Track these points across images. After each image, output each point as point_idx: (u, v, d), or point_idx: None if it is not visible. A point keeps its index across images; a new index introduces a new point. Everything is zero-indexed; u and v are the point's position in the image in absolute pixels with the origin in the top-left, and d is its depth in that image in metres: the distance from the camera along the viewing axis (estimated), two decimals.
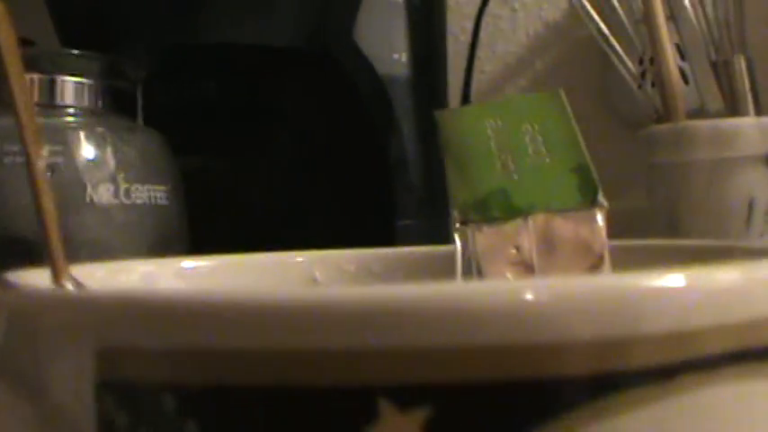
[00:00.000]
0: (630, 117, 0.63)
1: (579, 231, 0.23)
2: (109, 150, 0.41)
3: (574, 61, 0.64)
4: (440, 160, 0.49)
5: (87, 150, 0.40)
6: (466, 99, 0.59)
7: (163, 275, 0.26)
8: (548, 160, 0.24)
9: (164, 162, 0.44)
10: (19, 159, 0.39)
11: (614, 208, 0.65)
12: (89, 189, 0.39)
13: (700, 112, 0.52)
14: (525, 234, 0.23)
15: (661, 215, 0.53)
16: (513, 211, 0.23)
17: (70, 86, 0.42)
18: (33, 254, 0.37)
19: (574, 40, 0.64)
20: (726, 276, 0.16)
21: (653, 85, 0.56)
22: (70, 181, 0.39)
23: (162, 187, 0.42)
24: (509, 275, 0.22)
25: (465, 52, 0.58)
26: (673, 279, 0.15)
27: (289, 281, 0.27)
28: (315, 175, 0.50)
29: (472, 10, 0.61)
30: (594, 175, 0.24)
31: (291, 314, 0.14)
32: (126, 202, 0.40)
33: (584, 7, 0.55)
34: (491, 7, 0.60)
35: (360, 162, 0.49)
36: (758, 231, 0.50)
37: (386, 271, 0.27)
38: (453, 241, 0.23)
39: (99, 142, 0.41)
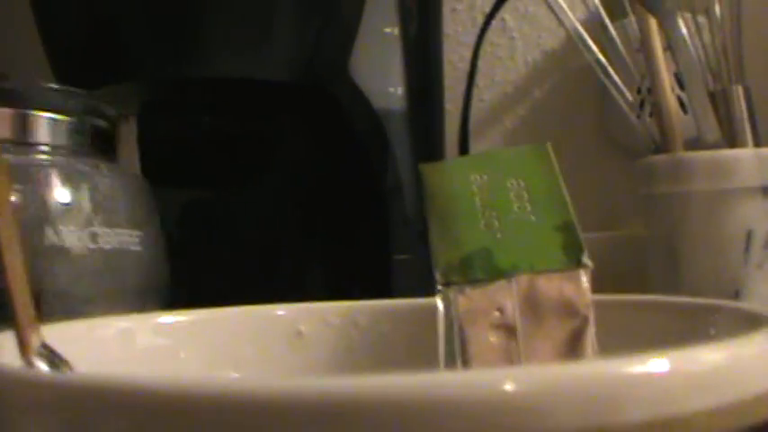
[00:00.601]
0: (629, 146, 0.63)
1: (563, 292, 0.22)
2: (81, 192, 0.39)
3: (572, 90, 0.63)
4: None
5: (58, 191, 0.38)
6: (464, 127, 0.59)
7: (140, 331, 0.25)
8: (533, 217, 0.24)
9: (140, 206, 0.42)
10: None
11: (613, 236, 0.65)
12: (58, 232, 0.38)
13: (698, 141, 0.52)
14: (508, 296, 0.22)
15: (659, 245, 0.52)
16: (496, 272, 0.23)
17: (44, 123, 0.41)
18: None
19: (572, 69, 0.64)
20: (711, 357, 0.16)
21: (651, 114, 0.55)
22: (39, 223, 0.37)
23: (136, 232, 0.41)
24: (492, 339, 0.22)
25: (464, 80, 0.58)
26: (656, 364, 0.15)
27: (272, 336, 0.26)
28: (311, 209, 0.50)
29: (471, 38, 0.61)
30: (579, 233, 0.23)
31: (260, 410, 0.14)
32: (92, 246, 0.38)
33: (581, 37, 0.55)
34: (489, 36, 0.60)
35: (356, 196, 0.48)
36: (756, 262, 0.50)
37: (372, 324, 0.27)
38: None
39: (71, 183, 0.39)
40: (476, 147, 0.63)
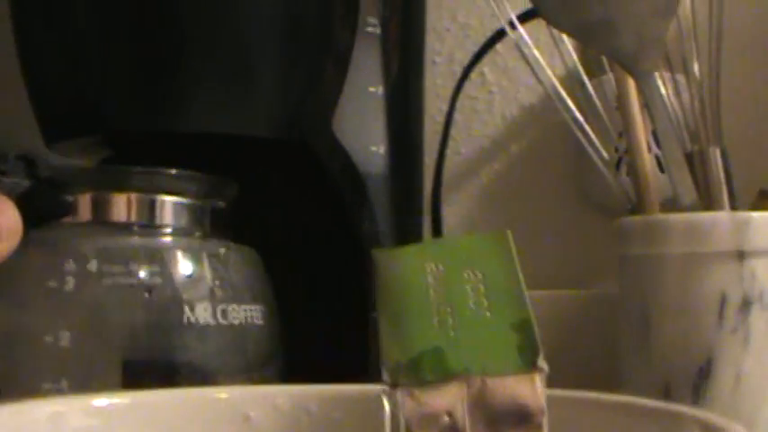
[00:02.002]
0: (604, 204, 0.62)
1: (517, 397, 0.21)
2: (206, 270, 0.42)
3: (549, 145, 0.63)
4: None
5: (185, 270, 0.41)
6: (438, 179, 0.58)
7: (72, 414, 0.24)
8: (488, 314, 0.23)
9: (259, 280, 0.44)
10: (119, 280, 0.40)
11: (585, 294, 0.64)
12: (186, 309, 0.40)
13: (674, 202, 0.52)
14: (459, 399, 0.22)
15: (631, 306, 0.52)
16: (447, 373, 0.22)
17: (169, 206, 0.43)
18: (126, 368, 0.37)
19: (550, 124, 0.63)
20: None
21: (627, 173, 0.55)
22: (168, 301, 0.40)
23: (258, 306, 0.43)
24: None
25: (440, 133, 0.58)
26: None
27: (218, 420, 0.25)
28: (289, 265, 0.49)
29: (449, 92, 0.61)
30: (537, 333, 0.23)
31: None
32: (223, 322, 0.41)
33: (558, 93, 0.54)
34: (468, 89, 0.59)
35: (335, 253, 0.49)
36: (730, 328, 0.49)
37: (323, 411, 0.26)
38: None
39: (196, 262, 0.42)
40: (451, 199, 0.63)
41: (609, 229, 0.53)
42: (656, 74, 0.50)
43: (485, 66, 0.62)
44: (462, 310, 0.23)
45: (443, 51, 0.64)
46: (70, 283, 0.40)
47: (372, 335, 0.45)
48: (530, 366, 0.22)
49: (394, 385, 0.22)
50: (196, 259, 0.42)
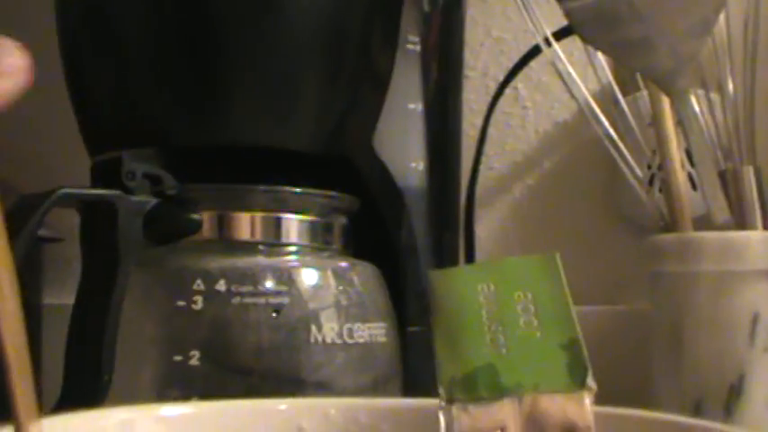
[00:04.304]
0: (637, 220, 0.63)
1: (567, 414, 0.22)
2: (332, 288, 0.42)
3: (582, 162, 0.63)
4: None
5: (312, 290, 0.41)
6: (471, 195, 0.59)
7: (140, 423, 0.25)
8: (538, 334, 0.23)
9: (382, 297, 0.44)
10: (247, 300, 0.40)
11: (617, 311, 0.64)
12: (314, 329, 0.40)
13: (707, 219, 0.52)
14: (512, 415, 0.22)
15: (664, 324, 0.52)
16: (500, 390, 0.23)
17: (294, 224, 0.43)
18: (253, 387, 0.38)
19: (583, 141, 0.64)
20: None
21: (660, 190, 0.55)
22: (295, 321, 0.40)
23: (382, 324, 0.43)
24: None
25: (474, 148, 0.58)
26: None
27: (273, 430, 0.26)
28: None
29: (483, 106, 0.61)
30: (585, 353, 0.23)
31: None
32: (349, 341, 0.41)
33: (592, 109, 0.55)
34: (502, 105, 0.60)
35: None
36: (762, 346, 0.49)
37: (373, 422, 0.27)
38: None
39: (323, 281, 0.42)
40: (483, 214, 0.63)
41: (641, 245, 0.53)
42: (691, 92, 0.51)
43: (519, 81, 0.62)
44: (513, 329, 0.24)
45: (477, 66, 0.65)
46: (199, 302, 0.40)
47: (410, 348, 0.46)
48: (579, 385, 0.23)
49: (450, 401, 0.23)
50: (322, 278, 0.42)
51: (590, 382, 0.23)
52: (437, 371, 0.23)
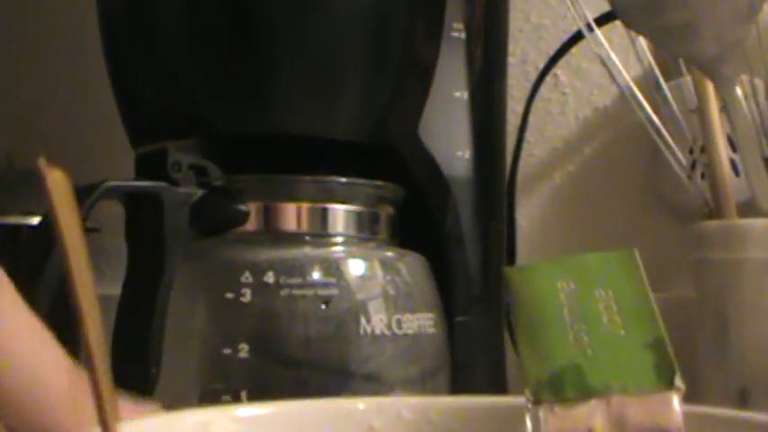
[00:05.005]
0: (679, 206, 0.62)
1: (655, 416, 0.22)
2: (380, 279, 0.41)
3: (623, 147, 0.63)
4: (496, 260, 0.49)
5: (360, 281, 0.41)
6: (512, 182, 0.58)
7: (216, 423, 0.25)
8: (623, 332, 0.23)
9: (429, 287, 0.44)
10: (295, 292, 0.40)
11: (660, 298, 0.64)
12: (363, 320, 0.40)
13: (750, 206, 0.52)
14: (599, 417, 0.22)
15: (709, 311, 0.52)
16: (587, 391, 0.23)
17: (340, 214, 0.43)
18: (302, 380, 0.38)
19: (623, 127, 0.63)
20: None
21: (702, 176, 0.55)
22: (344, 312, 0.40)
23: (430, 314, 0.42)
24: None
25: (514, 134, 0.58)
26: None
27: (345, 429, 0.26)
28: None
29: (522, 93, 0.61)
30: (671, 352, 0.23)
31: None
32: (398, 332, 0.40)
33: (634, 95, 0.54)
34: (541, 90, 0.59)
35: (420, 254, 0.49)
36: None
37: (445, 421, 0.26)
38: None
39: (371, 272, 0.41)
40: (523, 201, 0.63)
41: (684, 232, 0.53)
42: (736, 79, 0.50)
43: (558, 67, 0.62)
44: (597, 329, 0.23)
45: (516, 52, 0.64)
46: (247, 294, 0.40)
47: (458, 337, 0.46)
48: (667, 385, 0.22)
49: (536, 402, 0.22)
50: (370, 269, 0.41)
51: (678, 382, 0.22)
52: (522, 370, 0.23)
